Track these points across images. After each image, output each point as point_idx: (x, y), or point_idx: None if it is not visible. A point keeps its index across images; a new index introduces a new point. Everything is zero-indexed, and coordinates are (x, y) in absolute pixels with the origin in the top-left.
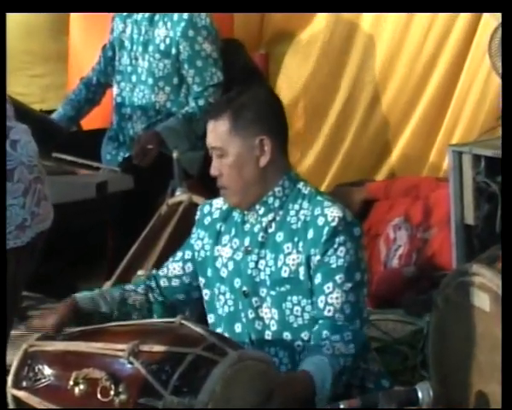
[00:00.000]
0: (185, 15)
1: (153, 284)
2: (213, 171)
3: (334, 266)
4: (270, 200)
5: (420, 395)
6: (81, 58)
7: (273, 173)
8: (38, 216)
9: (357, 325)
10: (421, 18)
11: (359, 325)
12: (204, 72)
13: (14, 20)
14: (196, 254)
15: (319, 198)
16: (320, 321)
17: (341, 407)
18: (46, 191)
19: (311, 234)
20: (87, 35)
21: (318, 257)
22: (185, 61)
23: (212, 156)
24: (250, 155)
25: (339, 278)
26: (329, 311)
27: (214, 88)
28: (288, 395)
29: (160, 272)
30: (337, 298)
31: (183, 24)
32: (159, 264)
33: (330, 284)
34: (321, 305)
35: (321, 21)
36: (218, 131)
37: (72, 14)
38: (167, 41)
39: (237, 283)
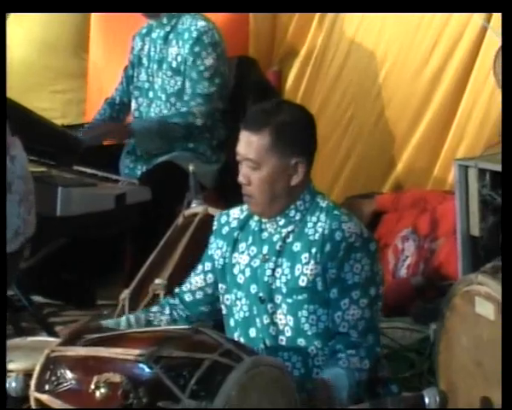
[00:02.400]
0: (194, 33)
1: (176, 301)
2: (242, 179)
3: (350, 282)
4: (292, 213)
5: (427, 400)
6: (101, 74)
7: (299, 190)
8: (28, 223)
9: (370, 340)
10: (427, 34)
11: (372, 341)
12: (196, 84)
13: (35, 37)
14: (216, 262)
15: (336, 212)
16: (336, 336)
17: None
18: (33, 199)
19: (328, 247)
20: (106, 52)
21: (334, 271)
22: (187, 75)
23: (239, 163)
24: (283, 173)
25: (355, 294)
26: (344, 327)
27: (201, 99)
28: (315, 398)
29: (184, 288)
30: (353, 314)
31: (191, 41)
32: (175, 273)
33: (347, 301)
34: (337, 320)
35: (327, 38)
36: (255, 145)
37: (92, 32)
38: (178, 59)
39: (253, 289)
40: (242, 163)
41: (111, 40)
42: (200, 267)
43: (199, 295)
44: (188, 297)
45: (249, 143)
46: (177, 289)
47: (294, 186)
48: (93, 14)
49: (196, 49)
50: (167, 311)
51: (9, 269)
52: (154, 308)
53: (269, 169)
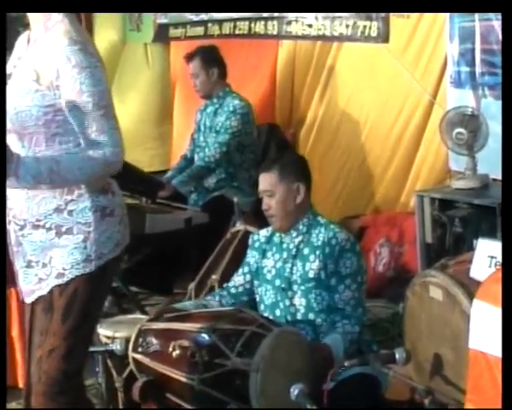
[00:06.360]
0: (231, 108)
1: (224, 293)
2: (264, 206)
3: (343, 273)
4: (300, 227)
5: (397, 356)
6: (180, 137)
7: (303, 208)
8: (125, 236)
9: (359, 313)
10: (394, 105)
11: (360, 313)
12: (219, 135)
13: (133, 112)
14: (252, 267)
15: (332, 226)
16: (335, 311)
17: (346, 364)
18: (127, 220)
19: (327, 250)
20: (183, 121)
21: (332, 266)
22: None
23: (262, 197)
24: (290, 195)
25: (347, 281)
26: (341, 304)
27: (217, 145)
28: (318, 357)
29: (230, 284)
30: (347, 295)
31: (228, 113)
32: (226, 271)
33: (342, 286)
34: (336, 300)
35: (325, 109)
36: (269, 180)
37: (176, 107)
38: (220, 124)
39: (277, 282)
40: (263, 196)
41: (185, 114)
42: (240, 270)
43: (240, 289)
44: (233, 290)
45: (265, 180)
46: (225, 285)
47: (299, 204)
48: (175, 97)
49: (230, 116)
50: (217, 298)
51: (114, 269)
52: (209, 297)
53: (280, 194)
